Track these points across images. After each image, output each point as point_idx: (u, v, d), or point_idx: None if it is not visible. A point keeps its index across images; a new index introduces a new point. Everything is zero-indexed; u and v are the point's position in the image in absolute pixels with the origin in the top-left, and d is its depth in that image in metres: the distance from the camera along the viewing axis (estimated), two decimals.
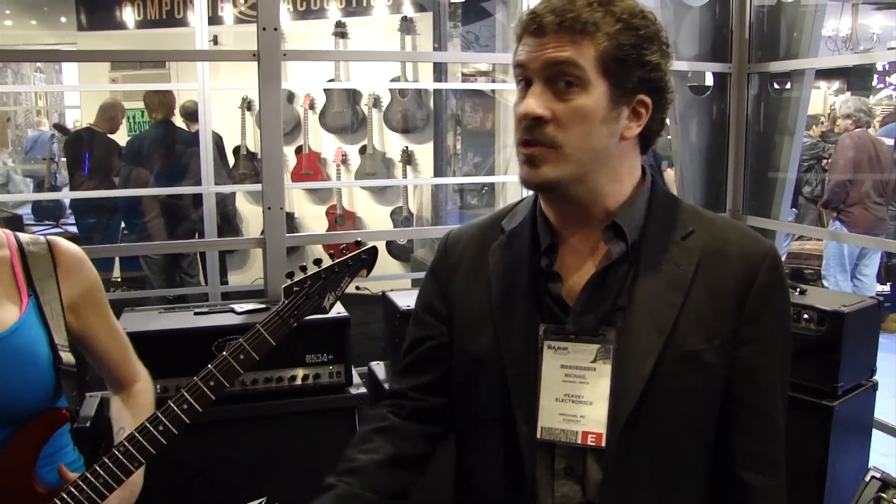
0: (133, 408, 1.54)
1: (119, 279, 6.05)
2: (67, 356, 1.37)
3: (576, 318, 1.18)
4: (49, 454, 1.36)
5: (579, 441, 1.16)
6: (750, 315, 1.16)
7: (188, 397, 1.41)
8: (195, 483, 2.14)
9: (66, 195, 6.24)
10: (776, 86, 3.70)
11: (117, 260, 5.88)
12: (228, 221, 5.98)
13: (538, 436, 1.17)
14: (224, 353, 1.45)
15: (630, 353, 1.15)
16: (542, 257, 1.21)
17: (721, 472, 1.20)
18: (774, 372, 1.19)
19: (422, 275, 1.48)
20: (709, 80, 3.86)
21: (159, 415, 1.39)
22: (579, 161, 1.13)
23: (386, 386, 2.49)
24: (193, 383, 1.42)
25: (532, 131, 1.12)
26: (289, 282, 1.51)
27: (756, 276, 1.17)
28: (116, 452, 1.36)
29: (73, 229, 6.14)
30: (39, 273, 1.40)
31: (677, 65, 3.52)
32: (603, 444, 1.14)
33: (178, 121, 5.49)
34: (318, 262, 1.54)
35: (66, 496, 1.31)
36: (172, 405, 1.40)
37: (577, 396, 1.17)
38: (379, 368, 2.64)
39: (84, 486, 1.32)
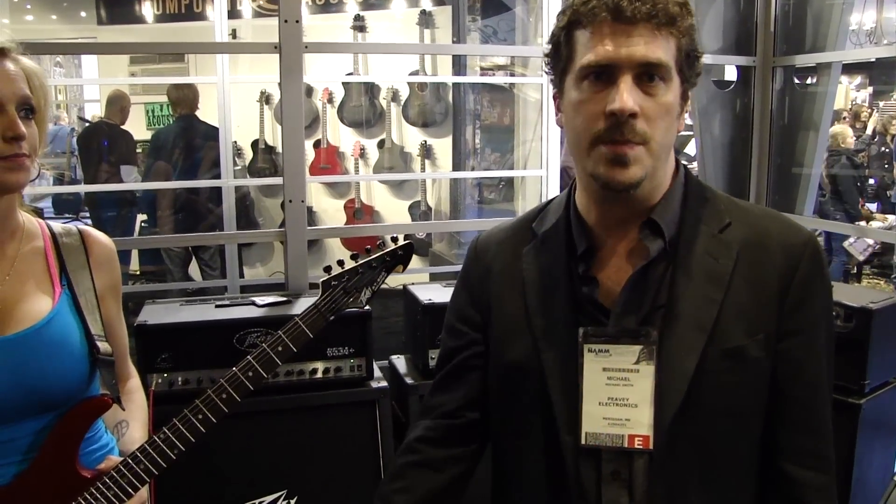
0: (130, 403, 1.55)
1: (137, 272, 6.08)
2: (104, 346, 1.39)
3: (616, 320, 1.15)
4: (86, 438, 1.38)
5: (626, 445, 1.13)
6: (792, 307, 1.14)
7: (227, 387, 1.44)
8: (216, 475, 2.14)
9: (86, 188, 6.26)
10: (796, 80, 3.65)
11: (135, 253, 5.91)
12: (247, 215, 6.01)
13: (583, 442, 1.15)
14: (264, 345, 1.47)
15: (672, 352, 1.12)
16: (580, 262, 1.19)
17: (769, 468, 1.17)
18: (819, 364, 1.16)
19: (440, 269, 1.45)
20: (729, 75, 3.81)
21: (199, 404, 1.42)
22: (659, 157, 1.12)
23: (407, 380, 2.48)
24: (233, 373, 1.45)
25: (623, 128, 1.07)
26: (326, 276, 1.52)
27: (797, 267, 1.14)
28: (157, 439, 1.38)
29: (90, 223, 6.16)
30: (73, 264, 1.41)
31: None
32: (650, 446, 1.12)
33: (202, 114, 5.48)
34: (355, 257, 1.55)
35: (108, 480, 1.34)
36: (212, 394, 1.43)
37: (622, 399, 1.14)
38: (400, 362, 2.63)
39: (125, 471, 1.36)
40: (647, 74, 1.07)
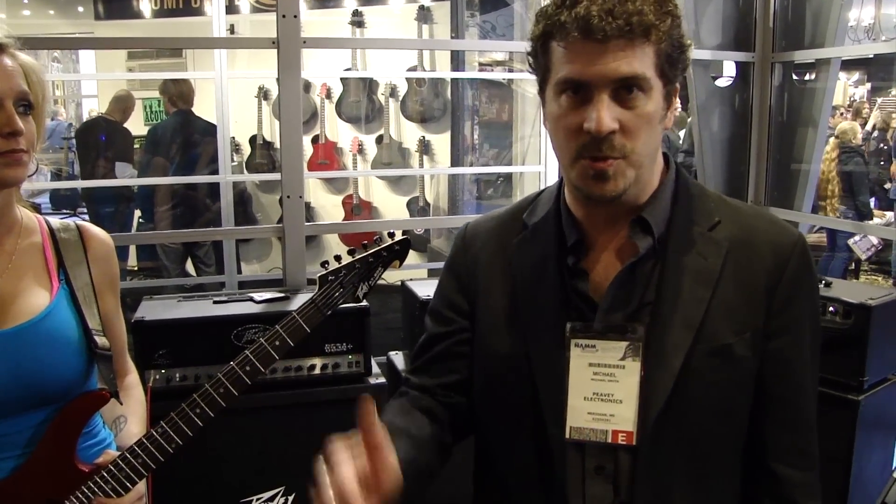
0: (129, 398, 1.56)
1: (135, 268, 6.08)
2: (102, 340, 1.39)
3: (603, 316, 1.15)
4: (84, 433, 1.39)
5: (609, 440, 1.13)
6: (780, 306, 1.14)
7: (225, 381, 1.45)
8: (214, 471, 2.14)
9: (83, 184, 6.26)
10: (795, 76, 3.65)
11: (133, 249, 5.90)
12: (245, 211, 6.00)
13: (567, 436, 1.15)
14: (261, 339, 1.48)
15: (659, 349, 1.12)
16: (569, 255, 1.18)
17: (755, 465, 1.18)
18: (805, 363, 1.17)
19: (439, 265, 1.44)
20: (727, 70, 3.81)
21: (197, 398, 1.42)
22: (642, 165, 1.10)
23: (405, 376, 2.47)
24: (230, 368, 1.46)
25: (601, 145, 1.05)
26: (324, 271, 1.53)
27: (786, 267, 1.14)
28: (155, 433, 1.39)
29: (87, 218, 6.15)
30: (71, 260, 1.42)
31: (700, 54, 3.48)
32: (634, 442, 1.12)
33: (200, 110, 5.48)
34: (352, 252, 1.56)
35: (106, 474, 1.35)
36: (210, 389, 1.43)
37: (607, 395, 1.14)
38: (398, 358, 2.63)
39: (123, 465, 1.36)
40: (624, 88, 1.05)
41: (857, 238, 6.61)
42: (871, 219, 7.07)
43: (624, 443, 1.13)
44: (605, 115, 1.03)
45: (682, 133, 7.61)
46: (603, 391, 1.14)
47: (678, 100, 1.16)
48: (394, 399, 1.32)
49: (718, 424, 1.14)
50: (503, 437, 1.24)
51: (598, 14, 1.01)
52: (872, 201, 8.01)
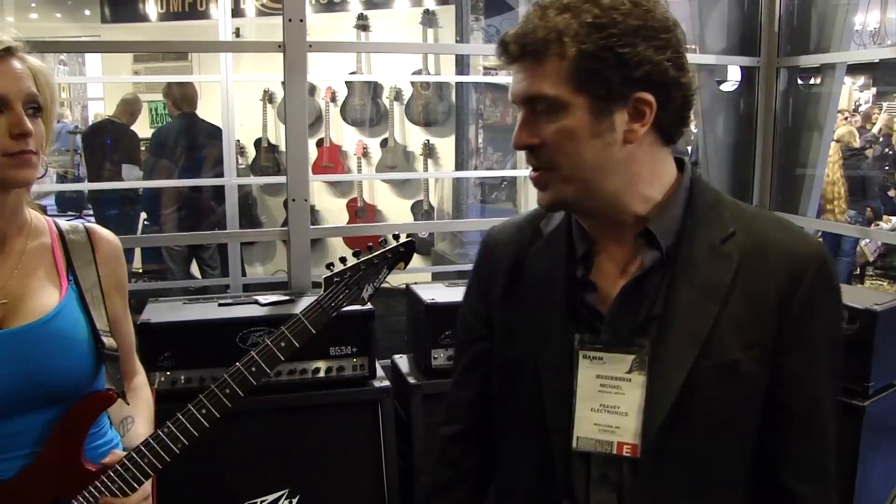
0: (136, 399, 1.56)
1: (140, 270, 6.09)
2: (110, 341, 1.40)
3: (609, 328, 1.15)
4: (91, 433, 1.39)
5: (614, 451, 1.14)
6: (794, 321, 1.10)
7: (231, 382, 1.46)
8: (218, 474, 2.14)
9: (90, 186, 6.27)
10: (800, 80, 3.64)
11: (138, 251, 5.91)
12: (250, 214, 6.02)
13: (574, 446, 1.15)
14: (267, 340, 1.50)
15: (663, 363, 1.11)
16: (578, 266, 1.18)
17: (767, 480, 1.16)
18: (820, 378, 1.13)
19: (442, 268, 1.46)
20: (731, 75, 3.80)
21: (203, 398, 1.44)
22: (579, 178, 1.11)
23: (410, 380, 2.47)
24: (236, 369, 1.47)
25: (531, 156, 1.13)
26: (329, 272, 1.55)
27: (800, 280, 1.10)
28: (161, 433, 1.40)
29: (93, 220, 6.16)
30: (80, 261, 1.43)
31: (704, 58, 3.47)
32: (637, 454, 1.12)
33: (206, 113, 5.49)
34: (357, 254, 1.58)
35: (112, 474, 1.36)
36: (216, 389, 1.45)
37: (613, 407, 1.14)
38: (402, 361, 2.63)
39: (129, 465, 1.37)
40: (538, 107, 1.09)
41: (867, 239, 6.65)
42: (882, 220, 7.08)
43: (628, 454, 1.13)
44: (519, 131, 1.12)
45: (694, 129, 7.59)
46: (609, 403, 1.15)
47: (651, 111, 1.08)
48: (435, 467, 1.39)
49: (723, 439, 1.13)
50: (511, 443, 1.26)
51: (506, 39, 1.11)
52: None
